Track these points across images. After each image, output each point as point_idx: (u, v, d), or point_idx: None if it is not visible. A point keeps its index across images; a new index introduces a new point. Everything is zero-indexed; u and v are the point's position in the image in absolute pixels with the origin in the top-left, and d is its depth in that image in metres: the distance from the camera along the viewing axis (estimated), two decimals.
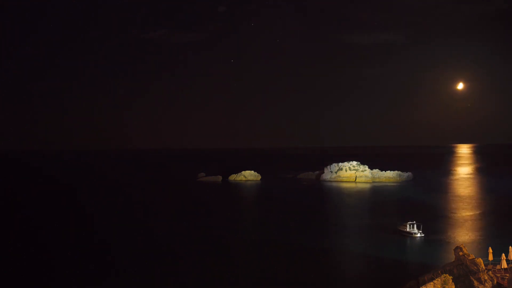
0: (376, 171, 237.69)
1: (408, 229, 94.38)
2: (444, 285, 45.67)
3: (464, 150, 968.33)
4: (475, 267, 49.72)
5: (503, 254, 52.25)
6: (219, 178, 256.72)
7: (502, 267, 51.15)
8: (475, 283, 47.74)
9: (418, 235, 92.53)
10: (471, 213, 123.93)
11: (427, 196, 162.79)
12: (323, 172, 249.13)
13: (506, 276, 49.04)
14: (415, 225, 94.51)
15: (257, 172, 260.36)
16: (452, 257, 58.52)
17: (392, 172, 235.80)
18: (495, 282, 48.64)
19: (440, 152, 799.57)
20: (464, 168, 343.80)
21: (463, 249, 54.07)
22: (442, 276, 46.89)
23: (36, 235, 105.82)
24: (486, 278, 48.40)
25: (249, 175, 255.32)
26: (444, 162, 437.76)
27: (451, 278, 46.92)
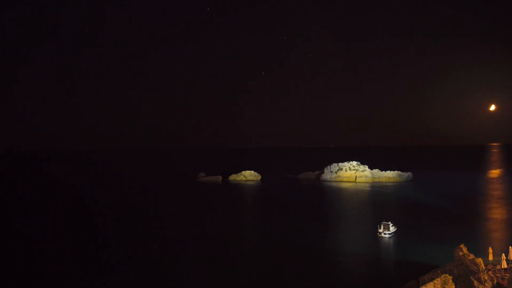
0: (376, 171, 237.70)
1: (380, 229, 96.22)
2: (444, 285, 45.67)
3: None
4: (475, 267, 49.73)
5: (503, 254, 52.34)
6: (219, 178, 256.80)
7: (502, 267, 51.19)
8: (475, 283, 47.73)
9: (383, 234, 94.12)
10: (470, 213, 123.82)
11: (426, 196, 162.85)
12: (323, 172, 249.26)
13: (506, 276, 49.06)
14: (388, 225, 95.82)
15: (257, 172, 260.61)
16: (452, 257, 58.51)
17: (392, 172, 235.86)
18: (495, 282, 48.66)
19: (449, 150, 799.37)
20: (465, 167, 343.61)
21: (463, 249, 54.09)
22: (442, 276, 46.88)
23: (34, 235, 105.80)
24: (486, 278, 48.39)
25: (249, 175, 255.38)
26: (446, 162, 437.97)
27: (451, 278, 46.93)
